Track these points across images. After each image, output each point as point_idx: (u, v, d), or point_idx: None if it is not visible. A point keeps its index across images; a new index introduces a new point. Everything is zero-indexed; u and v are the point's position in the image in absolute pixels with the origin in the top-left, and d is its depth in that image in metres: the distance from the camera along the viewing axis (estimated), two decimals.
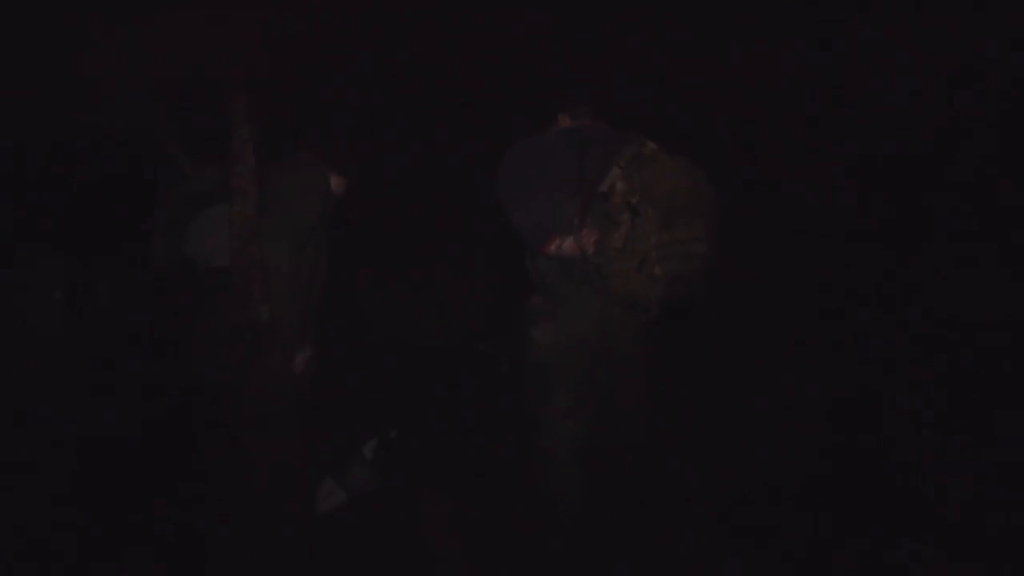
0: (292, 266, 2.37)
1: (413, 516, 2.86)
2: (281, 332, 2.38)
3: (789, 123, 4.84)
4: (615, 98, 2.61)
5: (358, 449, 3.03)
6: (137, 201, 3.18)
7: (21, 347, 2.79)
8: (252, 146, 2.24)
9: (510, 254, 4.08)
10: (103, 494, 2.96)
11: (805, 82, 4.86)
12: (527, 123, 2.69)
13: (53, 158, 3.03)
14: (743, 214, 2.98)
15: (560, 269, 2.39)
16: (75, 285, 2.87)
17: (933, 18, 4.73)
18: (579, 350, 2.47)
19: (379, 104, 4.09)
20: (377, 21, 3.35)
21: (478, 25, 3.92)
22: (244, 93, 2.23)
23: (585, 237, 2.29)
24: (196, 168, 2.69)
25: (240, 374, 2.40)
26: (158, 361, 2.96)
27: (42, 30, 3.64)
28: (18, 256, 2.91)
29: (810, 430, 3.51)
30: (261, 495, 2.43)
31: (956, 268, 4.53)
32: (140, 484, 3.03)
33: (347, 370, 3.53)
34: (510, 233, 3.08)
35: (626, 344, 2.46)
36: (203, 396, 2.73)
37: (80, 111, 3.08)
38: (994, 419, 3.48)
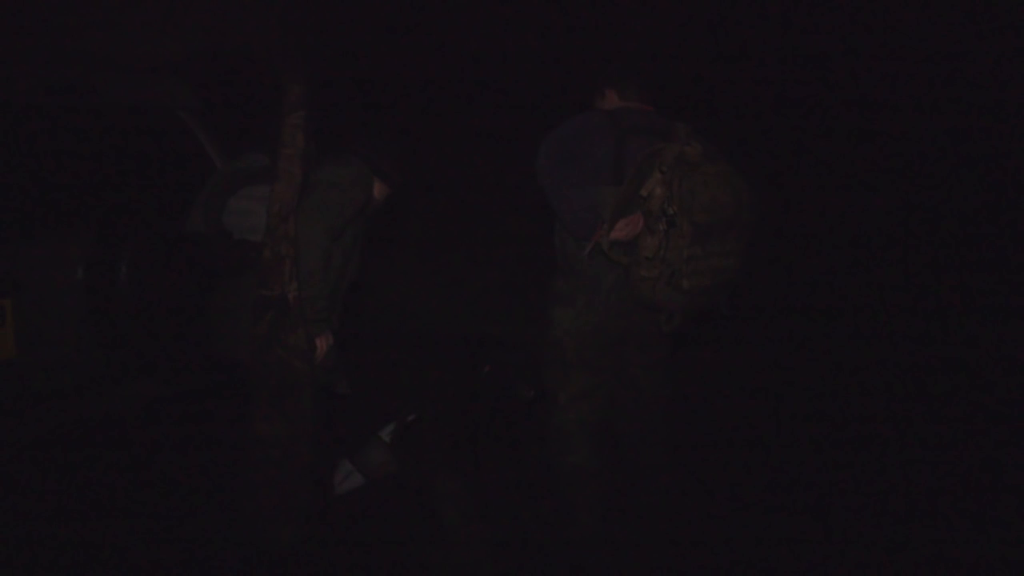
0: (324, 252, 2.39)
1: (429, 498, 2.88)
2: (306, 312, 2.39)
3: (791, 125, 4.81)
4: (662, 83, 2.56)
5: (376, 433, 3.05)
6: (160, 179, 3.18)
7: (44, 326, 2.80)
8: (303, 133, 2.26)
9: (528, 243, 4.07)
10: (119, 471, 2.99)
11: (805, 80, 4.82)
12: (554, 114, 2.64)
13: (74, 134, 3.02)
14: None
15: (588, 255, 2.38)
16: (96, 264, 2.86)
17: (937, 19, 4.69)
18: (599, 335, 2.48)
19: (420, 104, 4.07)
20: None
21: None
22: (302, 81, 2.25)
23: (616, 232, 2.26)
24: (244, 151, 2.69)
25: (260, 349, 2.39)
26: (179, 338, 2.97)
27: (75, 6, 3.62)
28: (39, 235, 2.90)
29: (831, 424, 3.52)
30: (268, 473, 2.43)
31: (958, 269, 4.53)
32: (153, 461, 3.06)
33: (367, 354, 3.54)
34: (529, 220, 3.02)
35: (647, 333, 2.45)
36: (220, 372, 2.75)
37: (102, 83, 3.08)
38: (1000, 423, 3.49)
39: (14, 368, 2.71)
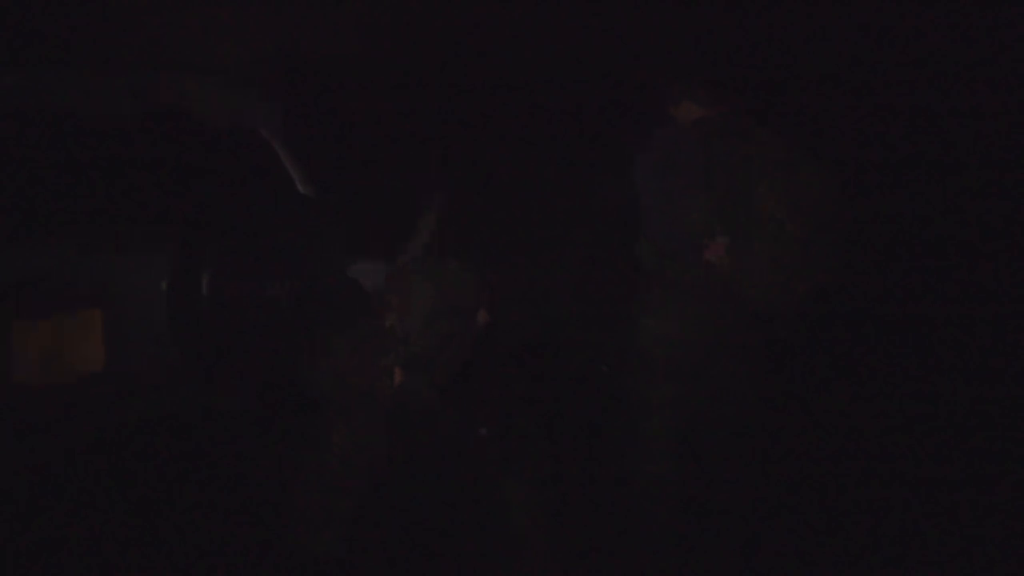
0: (428, 302, 2.57)
1: (498, 505, 2.89)
2: (398, 344, 2.54)
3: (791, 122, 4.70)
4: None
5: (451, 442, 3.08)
6: (241, 194, 3.24)
7: (130, 337, 2.86)
8: (431, 230, 2.63)
9: (606, 250, 4.03)
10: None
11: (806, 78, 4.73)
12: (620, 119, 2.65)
13: (160, 152, 3.09)
14: None
15: (678, 264, 2.38)
16: (181, 276, 2.92)
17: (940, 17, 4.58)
18: (689, 344, 2.47)
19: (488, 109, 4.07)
20: None
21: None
22: (446, 196, 2.66)
23: (717, 248, 2.27)
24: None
25: (348, 369, 2.57)
26: (259, 350, 3.02)
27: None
28: (125, 246, 2.97)
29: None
30: (320, 478, 2.57)
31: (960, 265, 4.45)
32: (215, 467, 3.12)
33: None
34: (607, 225, 2.98)
35: (738, 343, 2.44)
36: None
37: (189, 102, 3.14)
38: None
39: (103, 378, 2.78)
